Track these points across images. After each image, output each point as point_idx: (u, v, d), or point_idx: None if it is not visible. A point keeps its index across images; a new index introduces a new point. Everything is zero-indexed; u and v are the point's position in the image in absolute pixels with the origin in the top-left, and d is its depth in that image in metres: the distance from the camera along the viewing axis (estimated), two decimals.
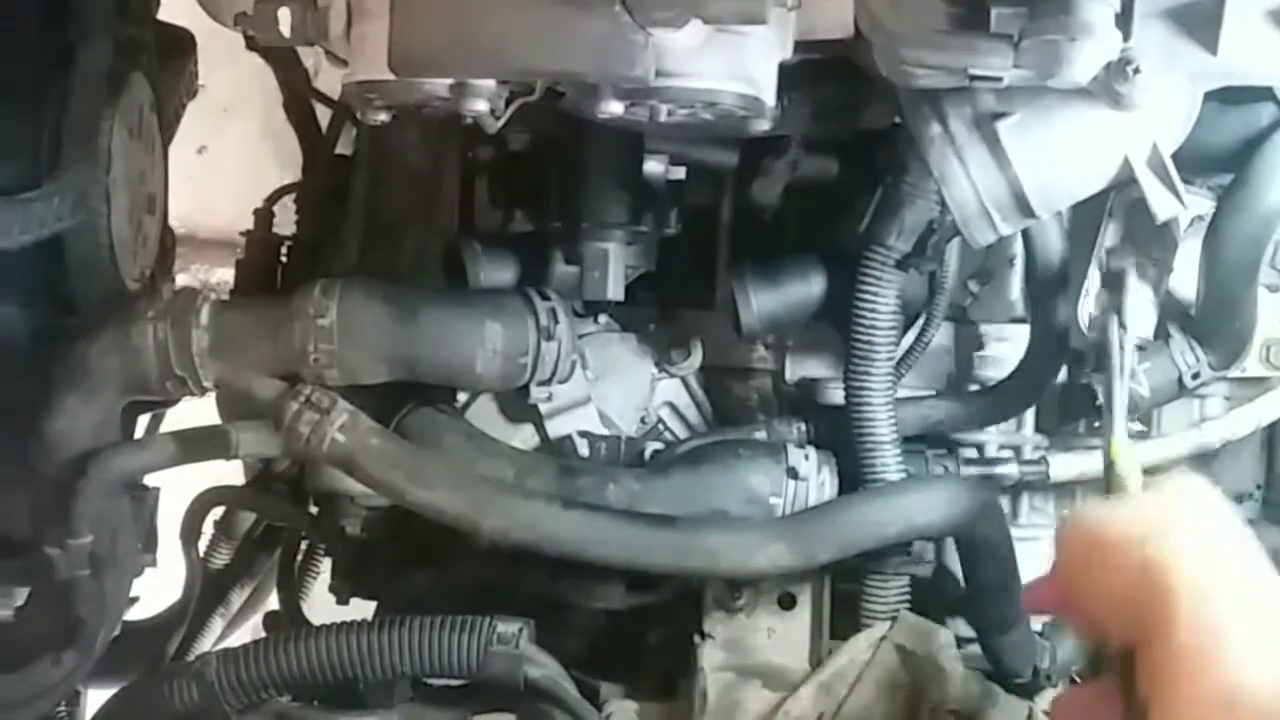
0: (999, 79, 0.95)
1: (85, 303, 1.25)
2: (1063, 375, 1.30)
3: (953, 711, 1.15)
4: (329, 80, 1.61)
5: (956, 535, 1.19)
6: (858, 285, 1.17)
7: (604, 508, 1.16)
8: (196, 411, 1.28)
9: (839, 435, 1.25)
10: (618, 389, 1.39)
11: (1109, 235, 1.24)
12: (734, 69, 0.95)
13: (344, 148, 1.63)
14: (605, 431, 1.35)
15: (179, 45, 1.52)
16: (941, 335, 1.34)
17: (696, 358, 1.40)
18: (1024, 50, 0.93)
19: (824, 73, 1.09)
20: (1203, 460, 1.35)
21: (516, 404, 1.34)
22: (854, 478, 1.22)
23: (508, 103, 0.97)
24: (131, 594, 1.25)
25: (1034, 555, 1.33)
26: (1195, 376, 1.26)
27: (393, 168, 1.36)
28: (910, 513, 1.13)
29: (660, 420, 1.41)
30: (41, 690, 1.17)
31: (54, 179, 1.18)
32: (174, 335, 1.13)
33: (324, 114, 1.70)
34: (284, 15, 0.97)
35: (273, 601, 1.67)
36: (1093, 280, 1.24)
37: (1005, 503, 1.35)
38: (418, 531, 1.32)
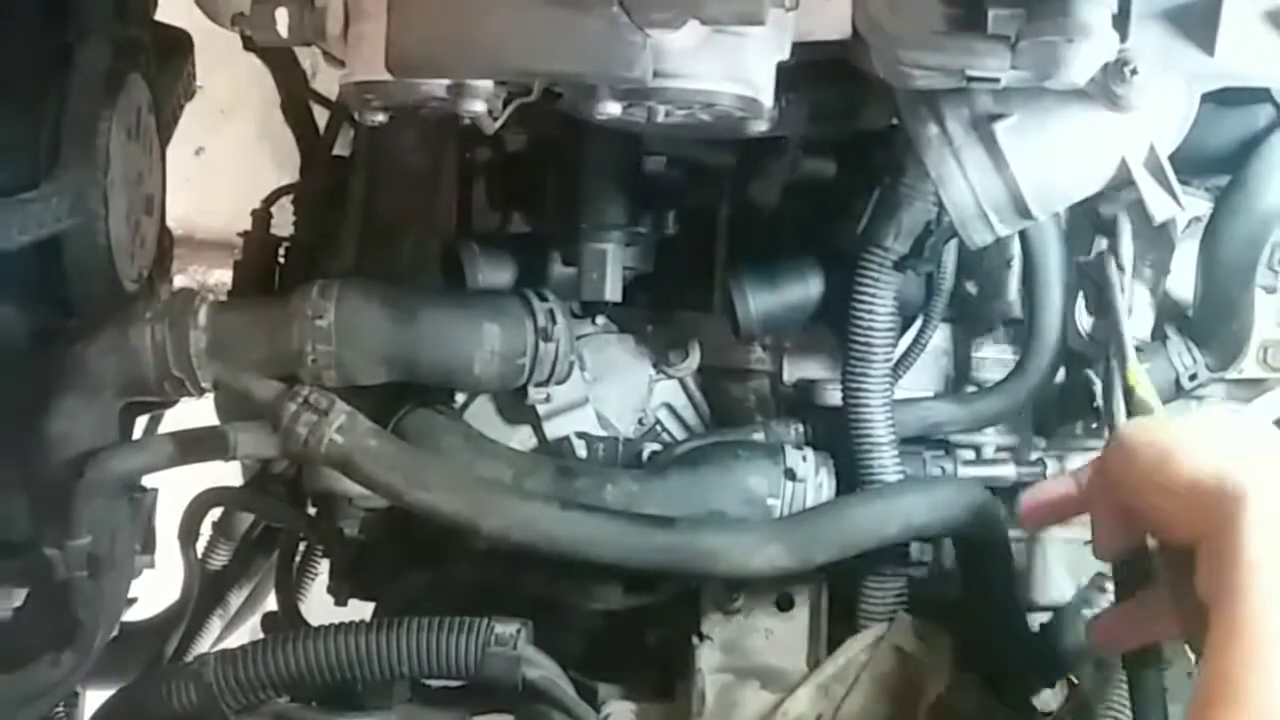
0: (996, 80, 0.95)
1: (83, 304, 1.25)
2: (1060, 376, 1.30)
3: (951, 713, 1.15)
4: (326, 81, 1.60)
5: (954, 536, 1.19)
6: (855, 287, 1.17)
7: (602, 509, 1.16)
8: (195, 412, 1.28)
9: (837, 436, 1.25)
10: (615, 390, 1.39)
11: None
12: (732, 70, 0.95)
13: (342, 149, 1.63)
14: (603, 432, 1.35)
15: (176, 46, 1.52)
16: (939, 336, 1.34)
17: (694, 359, 1.40)
18: (1021, 51, 0.93)
19: (822, 74, 1.09)
20: None
21: (514, 405, 1.34)
22: (852, 479, 1.22)
23: (505, 103, 0.97)
24: (130, 595, 1.25)
25: (1033, 555, 1.34)
26: (1192, 378, 1.26)
27: (390, 169, 1.36)
28: (908, 514, 1.13)
29: (658, 421, 1.40)
30: (40, 691, 1.16)
31: (52, 180, 1.17)
32: (172, 336, 1.13)
33: (321, 115, 1.70)
34: (281, 15, 0.96)
35: (271, 602, 1.66)
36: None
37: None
38: (416, 533, 1.32)
